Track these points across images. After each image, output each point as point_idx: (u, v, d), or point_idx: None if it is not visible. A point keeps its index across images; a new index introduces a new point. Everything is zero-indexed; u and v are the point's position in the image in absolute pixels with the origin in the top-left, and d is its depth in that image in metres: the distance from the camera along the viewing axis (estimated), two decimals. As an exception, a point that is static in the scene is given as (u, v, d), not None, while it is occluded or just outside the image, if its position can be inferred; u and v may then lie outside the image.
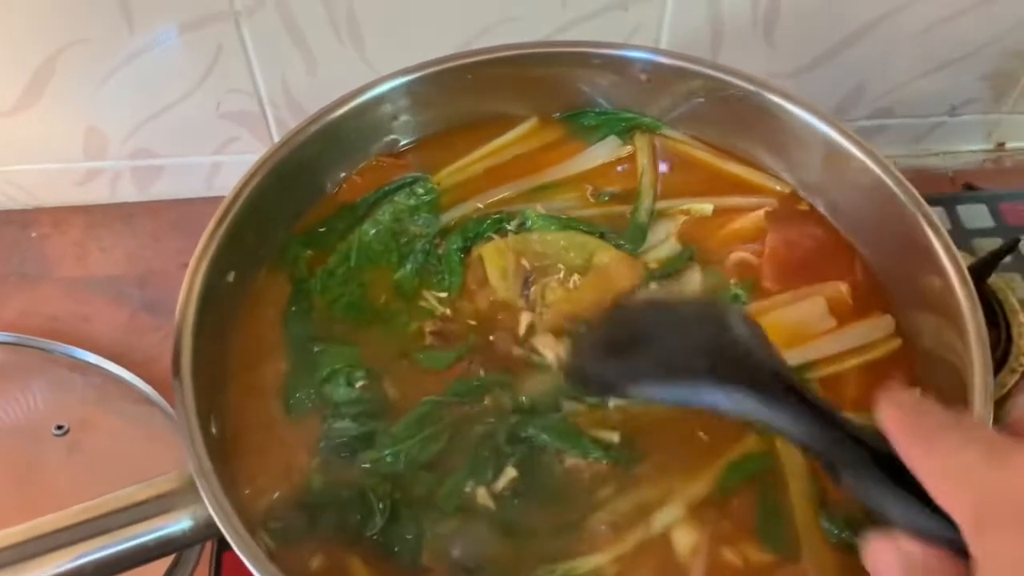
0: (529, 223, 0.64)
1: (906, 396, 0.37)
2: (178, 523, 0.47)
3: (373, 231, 0.63)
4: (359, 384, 0.56)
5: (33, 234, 0.90)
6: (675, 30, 0.82)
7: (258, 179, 0.59)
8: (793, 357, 0.56)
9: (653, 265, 0.62)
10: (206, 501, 0.46)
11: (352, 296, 0.61)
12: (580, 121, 0.70)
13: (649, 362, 0.45)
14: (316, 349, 0.58)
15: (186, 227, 0.90)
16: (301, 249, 0.63)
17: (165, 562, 0.66)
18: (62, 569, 0.45)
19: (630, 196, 0.66)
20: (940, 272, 0.54)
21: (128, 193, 0.92)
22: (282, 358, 0.58)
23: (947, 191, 0.90)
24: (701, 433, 0.54)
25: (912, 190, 0.58)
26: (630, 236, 0.64)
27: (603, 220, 0.65)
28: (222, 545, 0.66)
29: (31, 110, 0.82)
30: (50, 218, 0.91)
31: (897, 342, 0.59)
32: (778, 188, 0.67)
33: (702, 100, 0.67)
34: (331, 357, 0.58)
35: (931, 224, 0.56)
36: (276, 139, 0.85)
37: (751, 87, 0.63)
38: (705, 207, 0.65)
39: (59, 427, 0.75)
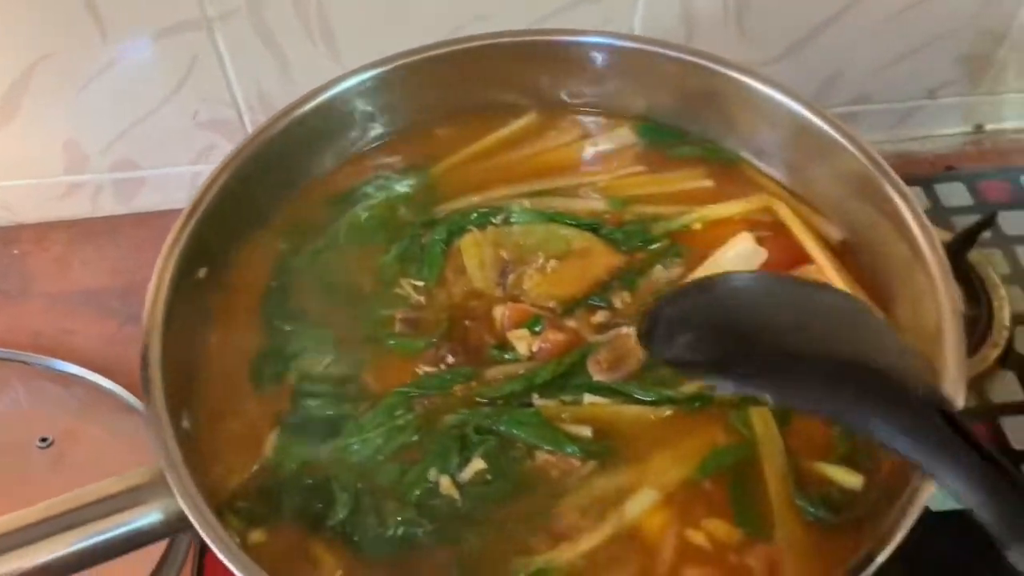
0: (514, 217, 0.64)
1: None
2: (148, 516, 0.46)
3: (365, 215, 0.64)
4: (329, 363, 0.57)
5: (15, 251, 0.90)
6: (647, 21, 0.82)
7: (223, 179, 0.60)
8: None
9: (639, 256, 0.62)
10: (176, 494, 0.46)
11: (333, 277, 0.62)
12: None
13: (771, 358, 0.41)
14: (288, 328, 0.59)
15: (168, 238, 0.90)
16: (284, 239, 0.64)
17: (150, 563, 0.66)
18: (31, 565, 0.45)
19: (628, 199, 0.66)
20: (908, 236, 0.54)
21: (110, 206, 0.92)
22: (256, 338, 0.59)
23: (927, 173, 0.90)
24: (675, 428, 0.54)
25: (883, 164, 0.58)
26: (625, 232, 0.63)
27: (591, 216, 0.64)
28: (205, 546, 0.65)
29: (8, 127, 0.83)
30: (32, 234, 0.91)
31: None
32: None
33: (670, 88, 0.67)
34: (303, 336, 0.58)
35: (896, 188, 0.56)
36: (255, 146, 0.87)
37: (708, 64, 0.64)
38: (700, 214, 0.64)
39: (43, 439, 0.75)
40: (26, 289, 0.87)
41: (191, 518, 0.45)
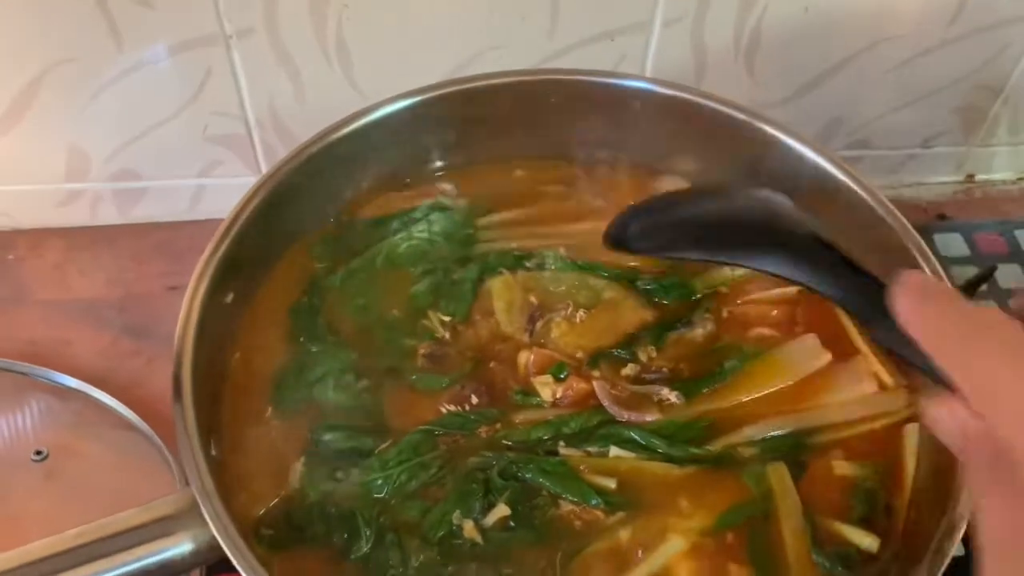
0: (548, 263, 0.64)
1: (920, 281, 0.38)
2: (179, 546, 0.46)
3: (405, 244, 0.65)
4: (348, 388, 0.57)
5: (10, 256, 0.89)
6: (660, 60, 0.83)
7: (256, 202, 0.59)
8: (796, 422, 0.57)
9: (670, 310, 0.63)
10: (211, 524, 0.45)
11: (366, 300, 0.62)
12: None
13: (702, 228, 0.51)
14: (315, 349, 0.59)
15: (169, 250, 0.89)
16: (320, 257, 0.65)
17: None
18: (60, 596, 0.44)
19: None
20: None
21: (110, 216, 0.91)
22: (281, 358, 0.59)
23: (921, 220, 0.93)
24: (697, 483, 0.55)
25: (901, 218, 0.59)
26: (663, 285, 0.64)
27: (626, 268, 0.65)
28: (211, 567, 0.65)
29: (13, 130, 0.81)
30: (28, 240, 0.89)
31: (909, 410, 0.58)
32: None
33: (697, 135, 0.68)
34: (327, 358, 0.58)
35: (920, 251, 0.57)
36: (262, 163, 0.87)
37: (743, 116, 0.65)
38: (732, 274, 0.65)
39: (38, 452, 0.73)
40: (21, 297, 0.86)
41: (226, 549, 0.45)
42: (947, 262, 0.83)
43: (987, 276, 0.74)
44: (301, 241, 0.65)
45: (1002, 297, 0.80)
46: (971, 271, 0.76)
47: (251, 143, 0.85)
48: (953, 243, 0.85)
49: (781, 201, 0.51)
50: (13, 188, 0.87)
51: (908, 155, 0.95)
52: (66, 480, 0.72)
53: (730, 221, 0.51)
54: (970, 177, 0.99)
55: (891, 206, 0.60)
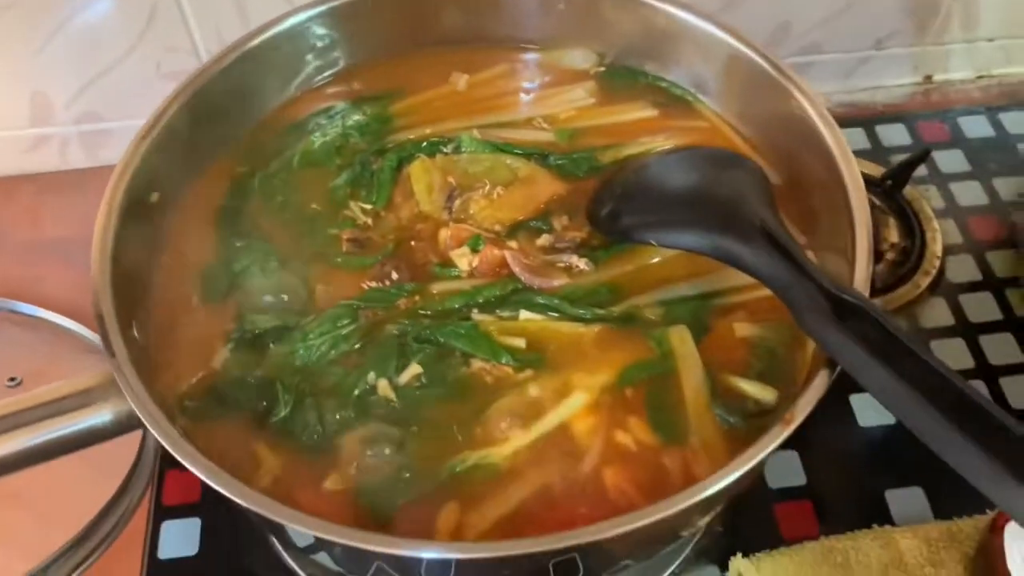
0: (463, 147, 0.66)
1: None
2: (99, 415, 0.49)
3: (320, 142, 0.67)
4: (278, 277, 0.59)
5: (-17, 202, 0.92)
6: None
7: (175, 108, 0.62)
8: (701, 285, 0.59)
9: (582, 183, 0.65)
10: (124, 392, 0.48)
11: (285, 198, 0.64)
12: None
13: (659, 216, 0.57)
14: (239, 244, 0.61)
15: (137, 189, 0.91)
16: (242, 163, 0.66)
17: (115, 482, 0.68)
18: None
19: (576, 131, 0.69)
20: (822, 147, 0.57)
21: (78, 159, 0.93)
22: (208, 254, 0.61)
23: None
24: (603, 343, 0.57)
25: (792, 74, 0.61)
26: (573, 160, 0.66)
27: (539, 146, 0.67)
28: (164, 464, 0.68)
29: (-27, 79, 0.84)
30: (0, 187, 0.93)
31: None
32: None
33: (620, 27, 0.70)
34: (254, 251, 0.61)
35: (803, 94, 0.59)
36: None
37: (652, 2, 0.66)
38: (648, 145, 0.67)
39: (12, 379, 0.76)
40: (-5, 238, 0.89)
41: (139, 415, 0.47)
42: (889, 151, 0.83)
43: (922, 157, 0.75)
44: (228, 146, 0.67)
45: (942, 181, 0.81)
46: (912, 159, 0.77)
47: (205, 77, 0.87)
48: (896, 133, 0.85)
49: (747, 180, 0.57)
50: (-19, 136, 0.90)
51: (862, 58, 0.95)
52: (40, 404, 0.76)
53: (694, 200, 0.58)
54: (928, 78, 0.98)
55: (791, 73, 0.61)
